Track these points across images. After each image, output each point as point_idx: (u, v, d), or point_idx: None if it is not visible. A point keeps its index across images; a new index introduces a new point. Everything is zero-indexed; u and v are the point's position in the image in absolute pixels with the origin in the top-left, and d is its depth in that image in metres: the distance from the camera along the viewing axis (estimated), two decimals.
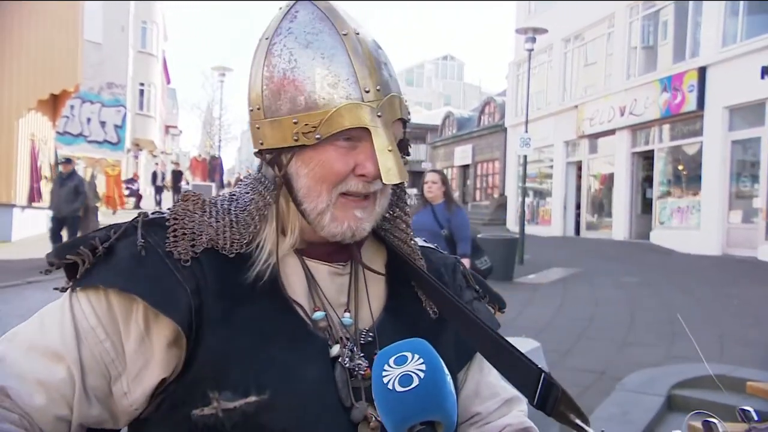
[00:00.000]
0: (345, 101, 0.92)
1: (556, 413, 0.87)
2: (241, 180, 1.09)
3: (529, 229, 16.70)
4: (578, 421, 0.84)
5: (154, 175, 26.07)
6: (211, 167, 29.46)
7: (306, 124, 0.93)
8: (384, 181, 0.92)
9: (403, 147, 1.04)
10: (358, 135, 0.93)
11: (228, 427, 0.88)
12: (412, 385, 0.79)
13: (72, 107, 23.87)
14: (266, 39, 0.98)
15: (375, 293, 1.05)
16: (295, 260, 1.00)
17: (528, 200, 19.62)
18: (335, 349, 0.96)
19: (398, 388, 0.79)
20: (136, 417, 0.95)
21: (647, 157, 17.76)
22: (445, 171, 38.72)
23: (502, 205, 25.56)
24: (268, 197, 1.00)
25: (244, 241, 0.98)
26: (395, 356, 0.82)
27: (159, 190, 24.81)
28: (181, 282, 0.91)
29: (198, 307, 0.91)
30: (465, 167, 33.36)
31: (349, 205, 0.96)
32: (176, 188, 21.40)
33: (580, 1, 19.72)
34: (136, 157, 25.50)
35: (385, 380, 0.80)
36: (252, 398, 0.89)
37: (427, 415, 0.78)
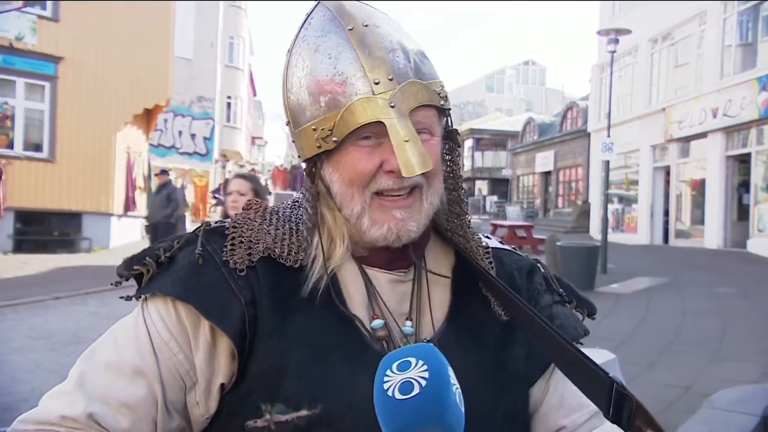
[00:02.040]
0: (355, 98, 0.89)
1: (632, 427, 0.79)
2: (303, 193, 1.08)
3: (614, 237, 16.19)
4: None
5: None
6: (292, 176, 30.30)
7: (323, 129, 0.91)
8: (404, 174, 0.88)
9: (449, 135, 1.01)
10: (380, 130, 0.90)
11: None
12: (412, 393, 0.76)
13: (165, 121, 25.19)
14: (288, 51, 0.98)
15: (439, 300, 1.01)
16: (355, 268, 0.98)
17: (613, 207, 19.06)
18: None
19: (398, 396, 0.76)
20: None
21: (743, 161, 16.86)
22: (525, 177, 37.98)
23: (585, 212, 25.00)
24: (310, 209, 0.99)
25: (302, 250, 0.97)
26: (399, 361, 0.79)
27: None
28: (236, 292, 0.91)
29: (252, 318, 0.90)
30: (547, 174, 32.83)
31: (386, 206, 0.93)
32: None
33: (668, 0, 18.98)
34: (224, 167, 26.44)
35: (386, 386, 0.77)
36: (304, 412, 0.87)
37: (426, 426, 0.75)
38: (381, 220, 0.93)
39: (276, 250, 0.96)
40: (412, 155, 0.87)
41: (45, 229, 14.58)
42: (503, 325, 1.01)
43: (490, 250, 1.09)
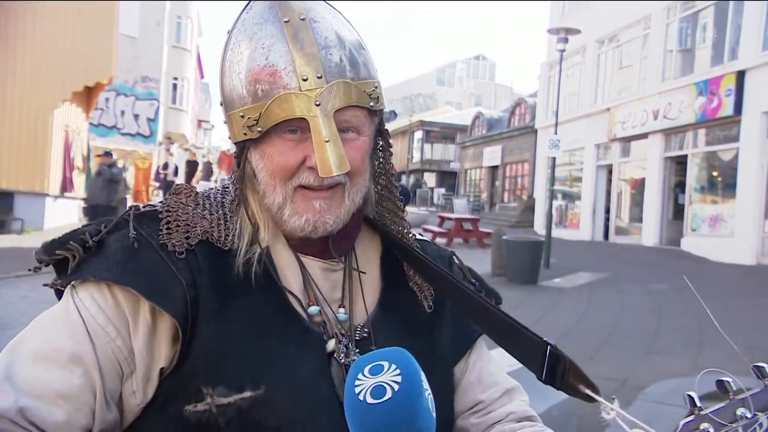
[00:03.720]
0: (282, 91, 0.89)
1: (566, 385, 0.85)
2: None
3: (557, 233, 16.57)
4: (588, 391, 0.82)
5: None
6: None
7: (249, 118, 0.92)
8: (320, 174, 0.89)
9: (381, 134, 1.04)
10: (306, 126, 0.91)
11: (222, 423, 0.87)
12: (384, 398, 0.75)
13: (107, 100, 24.38)
14: (228, 32, 0.98)
15: (369, 287, 1.04)
16: (290, 255, 0.99)
17: (557, 203, 19.50)
18: (331, 345, 0.95)
19: (369, 400, 0.75)
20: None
21: (680, 162, 17.54)
22: (472, 171, 38.65)
23: (530, 207, 25.50)
24: (235, 193, 1.00)
25: (237, 233, 0.97)
26: (371, 365, 0.79)
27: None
28: (176, 274, 0.90)
29: (194, 300, 0.89)
30: (494, 168, 33.39)
31: (308, 195, 0.94)
32: (207, 181, 21.60)
33: (615, 2, 19.51)
34: (168, 149, 25.75)
35: (357, 390, 0.77)
36: (247, 393, 0.87)
37: (398, 431, 0.75)
38: (301, 211, 0.94)
39: (214, 233, 0.95)
40: (330, 155, 0.88)
41: None
42: (429, 314, 1.06)
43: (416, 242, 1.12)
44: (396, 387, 0.76)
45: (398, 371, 0.78)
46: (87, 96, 16.69)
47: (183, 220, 0.96)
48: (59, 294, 0.96)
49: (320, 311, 0.97)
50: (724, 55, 15.66)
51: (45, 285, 0.96)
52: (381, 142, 1.05)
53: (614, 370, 5.76)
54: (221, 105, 0.99)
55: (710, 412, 0.76)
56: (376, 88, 0.97)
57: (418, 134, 42.22)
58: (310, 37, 0.91)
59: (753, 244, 14.23)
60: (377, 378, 0.77)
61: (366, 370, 0.79)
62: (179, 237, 0.93)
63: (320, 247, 1.00)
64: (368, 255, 1.07)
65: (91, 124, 19.36)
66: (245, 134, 0.93)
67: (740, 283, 11.54)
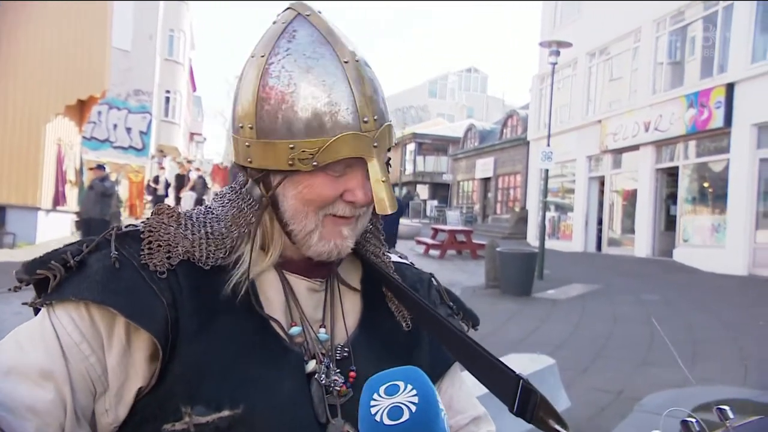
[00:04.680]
0: (345, 131, 0.92)
1: (536, 419, 0.87)
2: (217, 195, 1.08)
3: (550, 244, 16.61)
4: (558, 427, 0.85)
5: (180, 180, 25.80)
6: (232, 175, 29.71)
7: (303, 151, 0.93)
8: (378, 212, 0.94)
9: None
10: (350, 162, 0.94)
11: None
12: (402, 419, 0.75)
13: (99, 113, 24.33)
14: (261, 56, 0.96)
15: (350, 308, 1.06)
16: (274, 274, 1.01)
17: (549, 215, 19.55)
18: (311, 365, 0.97)
19: (386, 421, 0.75)
20: None
21: (672, 174, 17.62)
22: (465, 183, 38.64)
23: (522, 219, 25.52)
24: (251, 216, 1.00)
25: (221, 254, 0.97)
26: (386, 385, 0.79)
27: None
28: (158, 294, 0.90)
29: (174, 320, 0.90)
30: (486, 180, 33.44)
31: (338, 223, 0.98)
32: (201, 197, 21.46)
33: (605, 16, 19.70)
34: (160, 163, 25.66)
35: (373, 411, 0.76)
36: (225, 413, 0.88)
37: None
38: (329, 237, 0.97)
39: (195, 253, 0.96)
40: (386, 195, 0.93)
41: None
42: (407, 335, 1.08)
43: (393, 265, 1.14)
44: (413, 408, 0.76)
45: (414, 392, 0.77)
46: (80, 109, 16.63)
47: (164, 240, 0.96)
48: (37, 312, 0.96)
49: (302, 331, 0.98)
50: (714, 67, 15.80)
51: (24, 304, 0.96)
52: None
53: (609, 382, 5.77)
54: (247, 128, 0.97)
55: None
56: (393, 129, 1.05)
57: (411, 146, 42.26)
58: (368, 79, 0.95)
59: (744, 255, 14.27)
60: (394, 399, 0.77)
61: (381, 390, 0.78)
62: (161, 257, 0.94)
63: (306, 266, 1.02)
64: (350, 277, 1.09)
65: (83, 137, 19.31)
66: (291, 164, 0.94)
67: (733, 294, 11.60)
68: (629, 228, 19.29)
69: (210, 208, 1.05)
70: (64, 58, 14.22)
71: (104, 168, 13.18)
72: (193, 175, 21.62)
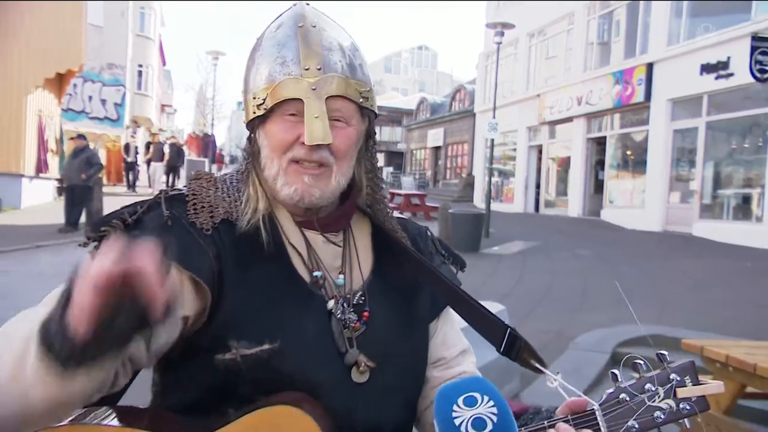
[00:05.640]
0: (286, 77, 0.98)
1: (520, 359, 0.99)
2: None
3: (494, 206, 16.83)
4: (537, 365, 0.96)
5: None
6: (205, 144, 29.03)
7: (259, 98, 1.00)
8: (306, 142, 0.96)
9: (370, 135, 1.10)
10: (302, 110, 0.98)
11: (245, 370, 0.93)
12: (486, 430, 0.76)
13: (75, 86, 23.26)
14: (257, 39, 1.06)
15: (364, 259, 1.10)
16: (296, 230, 1.05)
17: (494, 180, 19.75)
18: (330, 304, 1.01)
19: (471, 431, 0.76)
20: (166, 361, 0.97)
21: (600, 143, 17.91)
22: (418, 151, 38.43)
23: (469, 184, 25.54)
24: (245, 166, 1.07)
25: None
26: (464, 396, 0.79)
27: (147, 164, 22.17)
28: (204, 248, 0.95)
29: (219, 271, 0.95)
30: (437, 149, 33.34)
31: (299, 171, 1.00)
32: (176, 165, 20.77)
33: (543, 0, 19.68)
34: (135, 133, 24.81)
35: (457, 422, 0.77)
36: (266, 346, 0.93)
37: None
38: (291, 182, 1.00)
39: (233, 213, 1.01)
40: (316, 129, 0.96)
41: None
42: (411, 282, 1.12)
43: (396, 222, 1.19)
44: (495, 419, 0.76)
45: (492, 403, 0.78)
46: (58, 82, 15.96)
47: (207, 202, 1.01)
48: None
49: (322, 276, 1.03)
50: (636, 48, 16.02)
51: (80, 245, 0.99)
52: (371, 143, 1.12)
53: (549, 324, 5.92)
54: (242, 97, 1.06)
55: (627, 385, 0.92)
56: (368, 90, 1.05)
57: None
58: (317, 39, 1.00)
59: (660, 214, 14.66)
60: (475, 410, 0.77)
61: (460, 402, 0.79)
62: (205, 216, 0.98)
63: (322, 223, 1.06)
64: (361, 233, 1.13)
65: (62, 109, 18.55)
66: (254, 112, 1.01)
67: (650, 247, 11.89)
68: (563, 191, 19.57)
69: (239, 171, 1.09)
70: (42, 34, 13.59)
71: (85, 138, 12.74)
72: (166, 148, 20.86)
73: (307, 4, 1.05)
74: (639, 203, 15.72)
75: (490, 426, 0.76)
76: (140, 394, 1.06)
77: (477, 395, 0.79)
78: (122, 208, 1.00)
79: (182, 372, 0.98)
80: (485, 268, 9.21)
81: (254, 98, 1.01)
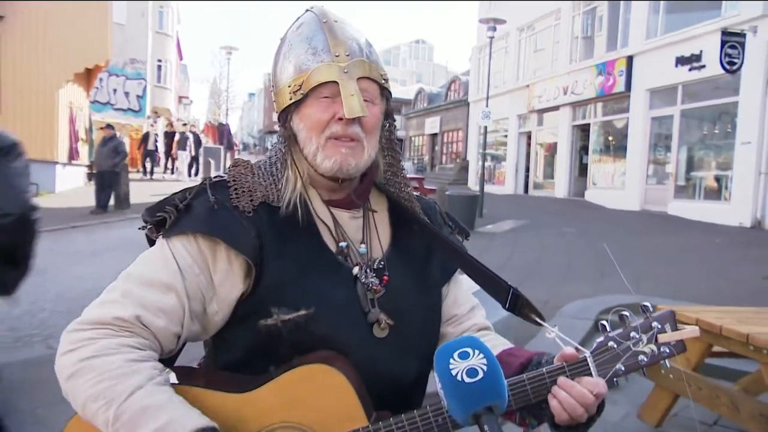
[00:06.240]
0: (320, 63, 1.01)
1: (522, 314, 1.04)
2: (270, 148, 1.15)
3: (487, 188, 16.79)
4: (537, 319, 1.02)
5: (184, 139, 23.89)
6: (220, 132, 28.96)
7: (295, 85, 1.03)
8: (346, 115, 0.99)
9: (389, 115, 1.12)
10: (335, 92, 1.01)
11: (285, 333, 0.97)
12: (479, 377, 0.80)
13: (101, 79, 23.16)
14: (280, 39, 1.10)
15: (382, 231, 1.13)
16: (325, 208, 1.08)
17: (486, 164, 19.69)
18: (355, 270, 1.05)
19: (467, 380, 0.79)
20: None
21: (584, 130, 17.86)
22: (416, 138, 38.09)
23: (464, 168, 25.43)
24: (283, 150, 1.09)
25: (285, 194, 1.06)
26: (458, 351, 0.82)
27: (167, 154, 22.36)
28: (246, 228, 0.99)
29: (260, 247, 0.98)
30: (434, 135, 33.07)
31: (337, 144, 1.03)
32: (197, 153, 20.71)
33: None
34: (155, 122, 24.76)
35: (453, 372, 0.80)
36: (302, 312, 0.97)
37: (490, 401, 0.80)
38: (331, 155, 1.02)
39: (270, 196, 1.04)
40: (354, 103, 0.99)
41: None
42: (425, 249, 1.15)
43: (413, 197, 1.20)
44: (485, 368, 0.80)
45: (482, 356, 0.81)
46: (87, 76, 15.95)
47: (246, 187, 1.03)
48: (150, 242, 1.05)
49: (347, 246, 1.06)
50: (618, 42, 15.91)
51: (140, 228, 1.05)
52: (388, 124, 1.13)
53: (537, 295, 5.77)
54: (272, 91, 1.08)
55: (615, 334, 0.96)
56: (386, 74, 1.08)
57: None
58: (342, 30, 1.04)
59: (638, 195, 14.69)
60: (468, 362, 0.80)
61: (455, 356, 0.81)
62: (246, 200, 1.01)
63: (346, 200, 1.09)
64: (380, 209, 1.15)
65: (89, 101, 18.53)
66: (291, 98, 1.02)
67: (629, 225, 11.87)
68: (550, 174, 19.51)
69: (271, 158, 1.10)
70: (72, 34, 13.57)
71: (113, 127, 12.81)
72: (189, 136, 20.78)
73: (322, 6, 1.10)
74: (619, 185, 15.71)
75: (481, 374, 0.79)
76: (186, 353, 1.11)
77: (469, 350, 0.81)
78: (173, 195, 1.03)
79: (230, 335, 1.02)
80: (479, 245, 9.16)
81: (289, 86, 1.03)
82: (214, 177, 1.06)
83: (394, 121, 1.15)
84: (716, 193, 12.85)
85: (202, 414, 0.88)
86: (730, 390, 2.93)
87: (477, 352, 0.81)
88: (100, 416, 0.88)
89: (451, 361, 0.81)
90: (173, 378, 0.97)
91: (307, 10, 1.09)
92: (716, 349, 3.01)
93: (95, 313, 0.95)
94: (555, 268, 7.68)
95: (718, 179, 12.88)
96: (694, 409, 3.24)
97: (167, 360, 1.01)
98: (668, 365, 0.98)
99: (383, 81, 1.06)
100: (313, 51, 1.01)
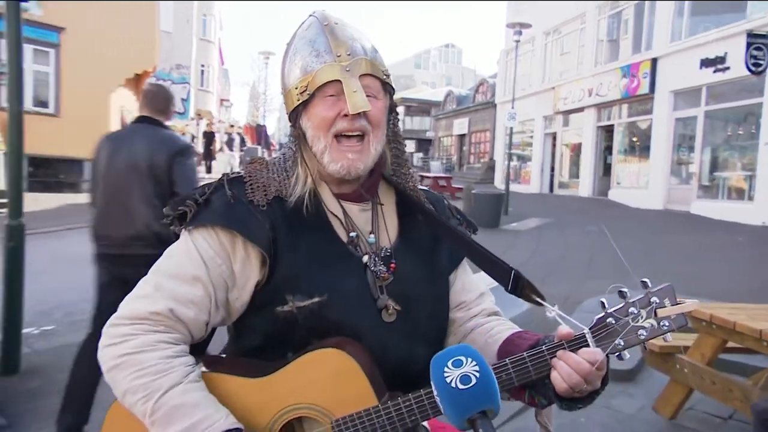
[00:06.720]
0: (323, 64, 1.02)
1: (523, 295, 1.04)
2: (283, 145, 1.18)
3: (513, 187, 16.73)
4: (538, 299, 1.02)
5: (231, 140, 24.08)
6: (258, 133, 29.46)
7: (301, 86, 1.03)
8: (350, 111, 0.99)
9: (392, 109, 1.12)
10: (339, 90, 1.01)
11: (300, 319, 0.98)
12: (472, 384, 0.79)
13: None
14: (287, 44, 1.12)
15: (390, 222, 1.13)
16: (335, 201, 1.09)
17: (512, 164, 19.56)
18: (365, 259, 1.06)
19: (460, 386, 0.79)
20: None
21: (609, 131, 17.58)
22: (445, 138, 37.88)
23: (491, 167, 25.26)
24: (294, 148, 1.09)
25: (297, 189, 1.06)
26: (452, 359, 0.82)
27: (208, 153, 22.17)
28: (261, 221, 1.00)
29: (274, 239, 1.00)
30: (462, 136, 33.00)
31: (342, 148, 1.03)
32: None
33: (557, 2, 19.21)
34: (198, 124, 25.31)
35: (448, 379, 0.80)
36: (316, 299, 0.98)
37: (483, 406, 0.80)
38: (337, 160, 1.03)
39: (282, 191, 1.04)
40: (357, 99, 0.99)
41: (51, 173, 13.86)
42: (432, 239, 1.14)
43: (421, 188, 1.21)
44: (478, 375, 0.80)
45: (475, 363, 0.81)
46: (136, 82, 16.41)
47: (261, 183, 1.04)
48: (176, 236, 1.06)
49: (357, 236, 1.06)
50: (642, 45, 15.60)
51: (164, 222, 1.05)
52: (392, 118, 1.13)
53: (559, 291, 5.91)
54: (282, 94, 1.08)
55: (613, 310, 0.95)
56: (388, 70, 1.08)
57: (400, 109, 40.75)
58: (343, 32, 1.04)
59: (661, 194, 14.44)
60: (461, 370, 0.80)
61: (449, 364, 0.81)
62: (260, 195, 1.02)
63: (355, 194, 1.09)
64: (387, 201, 1.15)
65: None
66: (298, 99, 1.03)
67: (652, 224, 11.72)
68: (575, 174, 19.29)
69: (285, 155, 1.11)
70: (124, 42, 14.03)
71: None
72: (236, 137, 21.20)
73: (323, 10, 1.10)
74: (643, 184, 15.44)
75: (474, 381, 0.79)
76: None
77: (463, 358, 0.81)
78: (193, 190, 1.05)
79: (250, 322, 1.04)
80: (504, 242, 9.16)
81: (296, 88, 1.03)
82: (232, 173, 1.08)
83: (398, 114, 1.16)
84: (739, 192, 12.48)
85: (230, 414, 0.92)
86: (743, 384, 2.88)
87: (470, 359, 0.81)
88: (138, 407, 0.93)
89: (446, 369, 0.81)
90: (202, 366, 1.01)
91: (309, 15, 1.10)
92: (730, 344, 2.96)
93: (131, 307, 0.97)
94: (577, 265, 7.62)
95: (741, 180, 12.49)
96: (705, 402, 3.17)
97: (201, 344, 1.05)
98: (669, 339, 0.96)
99: (385, 77, 1.06)
100: (317, 53, 1.02)
